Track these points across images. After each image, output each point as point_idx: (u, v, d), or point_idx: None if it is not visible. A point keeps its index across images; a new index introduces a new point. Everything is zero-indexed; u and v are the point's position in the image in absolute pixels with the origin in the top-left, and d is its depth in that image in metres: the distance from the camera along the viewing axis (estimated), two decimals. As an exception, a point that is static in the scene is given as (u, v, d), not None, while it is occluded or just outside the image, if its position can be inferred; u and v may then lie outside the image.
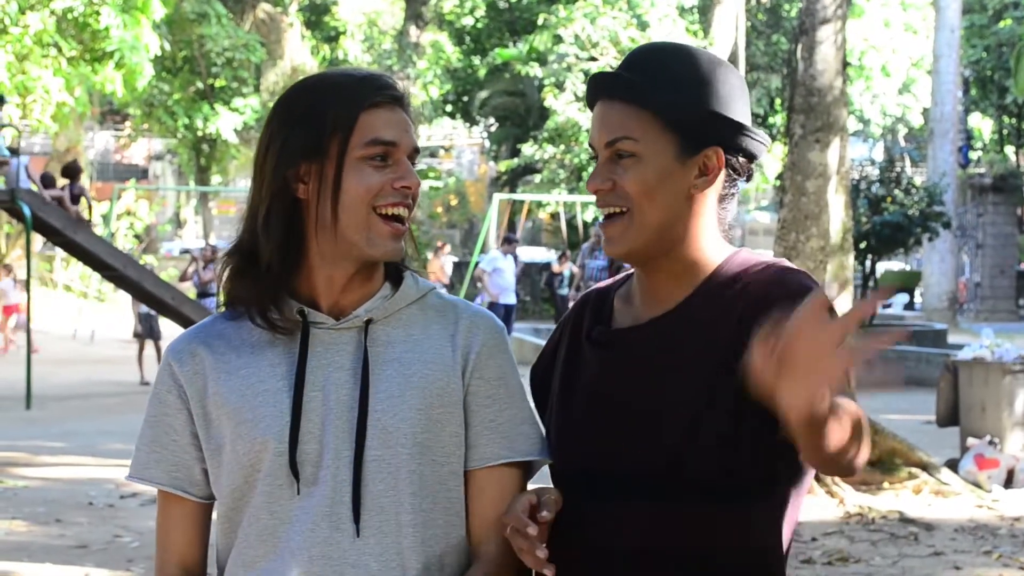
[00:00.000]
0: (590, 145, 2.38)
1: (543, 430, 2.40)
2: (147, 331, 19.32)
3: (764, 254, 2.46)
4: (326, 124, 2.25)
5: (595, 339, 2.40)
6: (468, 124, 41.75)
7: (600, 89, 2.35)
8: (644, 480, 2.28)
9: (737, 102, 2.35)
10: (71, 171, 19.29)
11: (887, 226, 20.65)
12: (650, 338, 2.33)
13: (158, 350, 19.12)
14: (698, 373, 2.28)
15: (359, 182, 2.25)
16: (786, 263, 2.37)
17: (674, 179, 2.30)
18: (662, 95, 2.29)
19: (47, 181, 18.81)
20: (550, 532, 2.35)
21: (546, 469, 2.42)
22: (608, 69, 2.42)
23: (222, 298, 2.38)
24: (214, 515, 2.38)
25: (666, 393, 2.29)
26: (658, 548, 2.28)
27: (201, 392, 2.31)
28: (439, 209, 43.19)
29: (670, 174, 2.30)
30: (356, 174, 2.25)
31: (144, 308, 19.30)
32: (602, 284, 2.55)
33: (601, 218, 2.37)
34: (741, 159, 2.36)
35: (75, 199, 18.90)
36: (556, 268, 27.92)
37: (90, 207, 19.03)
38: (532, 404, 2.41)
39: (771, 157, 36.88)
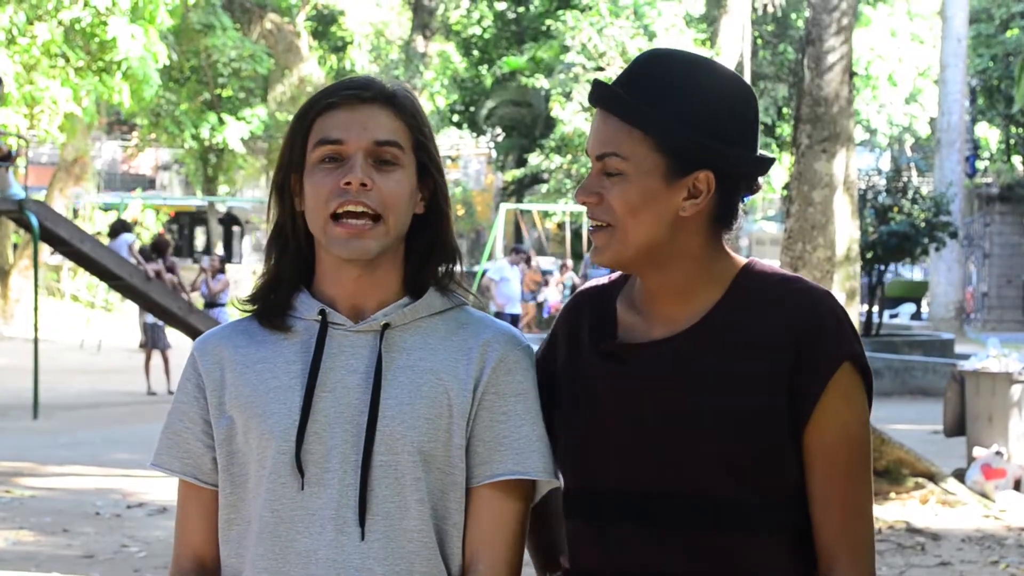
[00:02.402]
0: (586, 151, 2.35)
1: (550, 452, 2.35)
2: (152, 341, 19.33)
3: (773, 264, 2.43)
4: (296, 134, 2.32)
5: (606, 353, 2.34)
6: (475, 134, 41.78)
7: (596, 99, 2.32)
8: (673, 503, 2.25)
9: (737, 122, 2.28)
10: (160, 247, 19.84)
11: (894, 236, 20.63)
12: (670, 357, 2.29)
13: (165, 360, 19.14)
14: (728, 398, 2.25)
15: (312, 188, 2.28)
16: (809, 284, 2.33)
17: (659, 201, 2.25)
18: (655, 117, 2.24)
19: (146, 255, 19.49)
20: (573, 553, 2.36)
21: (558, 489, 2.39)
22: (607, 79, 2.38)
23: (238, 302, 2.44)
24: None
25: (695, 415, 2.26)
26: (693, 574, 2.26)
27: (218, 382, 2.34)
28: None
29: (655, 195, 2.25)
30: (311, 180, 2.29)
31: (149, 318, 19.31)
32: (597, 283, 2.48)
33: (590, 226, 2.36)
34: (739, 179, 2.30)
35: (169, 270, 19.46)
36: (558, 279, 27.93)
37: (180, 283, 19.45)
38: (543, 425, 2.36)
39: (778, 167, 36.86)
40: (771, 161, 2.33)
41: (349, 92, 2.29)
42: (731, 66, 27.02)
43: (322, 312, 2.31)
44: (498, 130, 39.24)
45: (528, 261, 26.34)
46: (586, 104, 28.33)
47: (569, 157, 30.59)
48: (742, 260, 2.36)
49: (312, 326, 2.32)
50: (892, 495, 10.54)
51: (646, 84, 2.27)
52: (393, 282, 2.34)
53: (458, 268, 2.41)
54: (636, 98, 2.26)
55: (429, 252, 2.35)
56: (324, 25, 41.67)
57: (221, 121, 35.67)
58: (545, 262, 35.16)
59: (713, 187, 2.27)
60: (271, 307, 2.35)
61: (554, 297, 27.88)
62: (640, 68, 2.30)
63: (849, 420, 2.25)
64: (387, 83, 2.34)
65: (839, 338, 2.25)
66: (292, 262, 2.35)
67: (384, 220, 2.26)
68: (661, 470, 2.26)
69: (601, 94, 2.31)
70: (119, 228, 20.21)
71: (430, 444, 2.27)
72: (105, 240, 20.22)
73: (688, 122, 2.25)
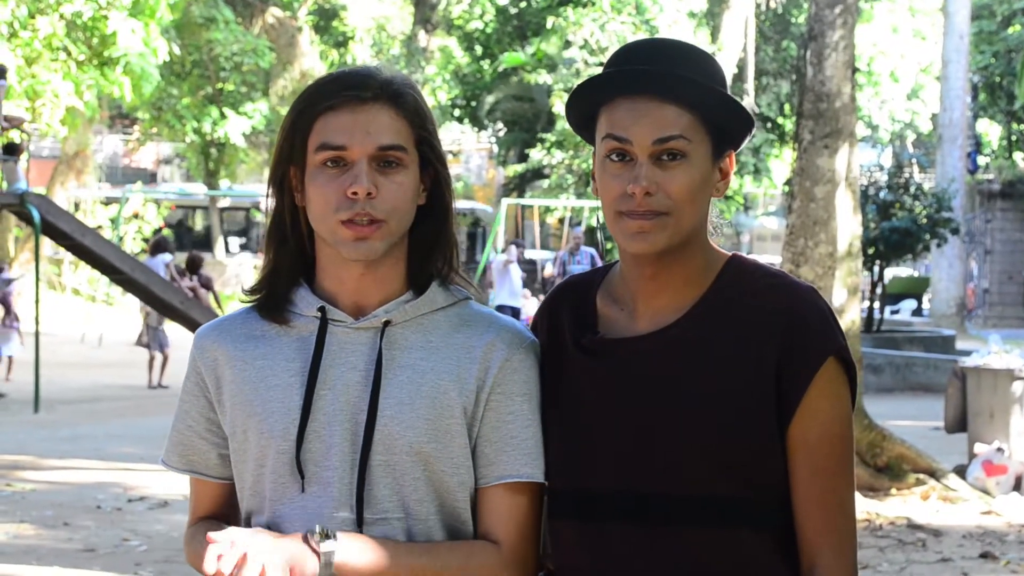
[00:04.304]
0: (615, 138, 2.25)
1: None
2: (155, 343, 19.47)
3: (756, 259, 2.42)
4: (295, 131, 2.28)
5: (589, 349, 2.31)
6: (476, 129, 41.73)
7: (641, 84, 2.23)
8: (662, 501, 2.23)
9: None
10: (194, 263, 20.00)
11: (895, 232, 20.61)
12: (655, 352, 2.27)
13: (164, 358, 19.27)
14: (715, 393, 2.23)
15: (317, 193, 2.25)
16: (793, 280, 2.32)
17: (708, 183, 2.27)
18: (710, 95, 2.24)
19: (181, 271, 19.84)
20: (558, 552, 2.33)
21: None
22: (606, 68, 2.30)
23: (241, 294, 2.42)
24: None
25: (681, 411, 2.23)
26: (681, 571, 2.24)
27: (218, 380, 2.34)
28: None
29: (708, 177, 2.26)
30: (314, 183, 2.25)
31: (152, 320, 19.41)
32: (578, 277, 2.45)
33: (618, 215, 2.25)
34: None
35: (204, 286, 19.64)
36: (548, 272, 27.72)
37: (217, 300, 19.55)
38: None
39: (780, 162, 36.82)
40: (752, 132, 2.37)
41: (349, 93, 2.25)
42: (733, 62, 27.02)
43: (321, 309, 2.29)
44: (499, 125, 39.20)
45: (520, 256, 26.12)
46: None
47: (571, 152, 30.53)
48: (726, 254, 2.35)
49: (312, 322, 2.30)
50: (893, 491, 10.55)
51: (690, 67, 2.24)
52: (396, 277, 2.31)
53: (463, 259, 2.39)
54: (691, 80, 2.23)
55: (432, 245, 2.33)
56: (326, 19, 41.63)
57: (223, 115, 35.65)
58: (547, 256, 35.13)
59: (733, 166, 2.31)
60: (270, 300, 2.34)
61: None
62: (663, 52, 2.26)
63: (832, 417, 2.25)
64: (385, 76, 2.29)
65: (824, 333, 2.25)
66: (291, 255, 2.33)
67: (388, 223, 2.24)
68: (649, 467, 2.24)
69: (654, 77, 2.23)
70: (157, 247, 20.49)
71: (430, 444, 2.25)
72: (105, 234, 20.27)
73: (730, 102, 2.26)
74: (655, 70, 2.24)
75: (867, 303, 22.02)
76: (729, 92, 2.29)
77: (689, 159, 2.23)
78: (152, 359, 19.46)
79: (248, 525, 2.32)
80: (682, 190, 2.22)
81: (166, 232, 36.75)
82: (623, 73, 2.26)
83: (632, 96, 2.24)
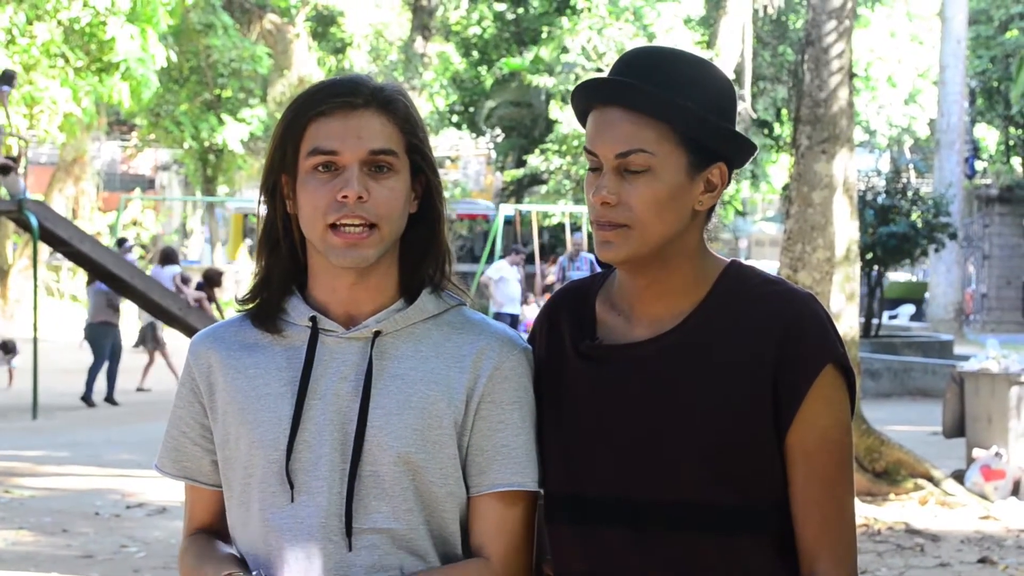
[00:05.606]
0: (587, 151, 2.27)
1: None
2: (151, 342, 19.62)
3: (756, 265, 2.41)
4: (287, 138, 2.28)
5: (587, 354, 2.31)
6: (474, 135, 41.72)
7: (607, 95, 2.25)
8: (659, 507, 2.23)
9: (734, 112, 2.30)
10: (212, 279, 20.00)
11: (893, 237, 20.62)
12: (654, 359, 2.26)
13: (153, 359, 19.58)
14: (712, 401, 2.22)
15: (307, 198, 2.25)
16: (791, 286, 2.31)
17: (683, 195, 2.23)
18: (678, 108, 2.20)
19: (185, 279, 19.91)
20: (557, 557, 2.32)
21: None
22: (606, 74, 2.30)
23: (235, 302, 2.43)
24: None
25: (679, 418, 2.23)
26: None
27: (211, 387, 2.34)
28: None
29: (680, 191, 2.23)
30: (305, 188, 2.25)
31: (145, 319, 19.56)
32: (578, 282, 2.44)
33: (603, 224, 2.26)
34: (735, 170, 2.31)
35: (211, 299, 19.82)
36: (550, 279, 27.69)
37: (220, 308, 19.63)
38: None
39: (778, 168, 36.86)
40: (755, 147, 2.33)
41: (340, 100, 2.25)
42: (730, 67, 27.04)
43: (312, 319, 2.29)
44: (498, 131, 39.21)
45: (525, 262, 26.13)
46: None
47: (568, 158, 30.58)
48: (725, 260, 2.34)
49: (303, 332, 2.30)
50: (891, 496, 10.54)
51: (661, 78, 2.22)
52: (389, 286, 2.31)
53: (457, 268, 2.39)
54: (657, 91, 2.21)
55: (424, 252, 2.33)
56: (324, 26, 41.62)
57: (221, 121, 35.64)
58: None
59: (726, 179, 2.28)
60: (262, 309, 2.34)
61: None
62: (645, 63, 2.26)
63: (830, 424, 2.24)
64: (376, 83, 2.30)
65: (823, 340, 2.24)
66: (283, 264, 2.33)
67: (380, 228, 2.24)
68: (647, 473, 2.24)
69: (619, 89, 2.24)
70: (166, 258, 20.57)
71: (418, 455, 2.24)
72: (103, 241, 20.32)
73: (710, 115, 2.23)
74: (619, 81, 2.24)
75: (865, 308, 22.02)
76: (720, 103, 2.26)
77: (654, 172, 2.21)
78: (150, 360, 19.78)
79: (244, 529, 2.33)
80: (644, 203, 2.21)
81: (167, 239, 36.77)
82: (593, 83, 2.27)
83: (602, 107, 2.25)
